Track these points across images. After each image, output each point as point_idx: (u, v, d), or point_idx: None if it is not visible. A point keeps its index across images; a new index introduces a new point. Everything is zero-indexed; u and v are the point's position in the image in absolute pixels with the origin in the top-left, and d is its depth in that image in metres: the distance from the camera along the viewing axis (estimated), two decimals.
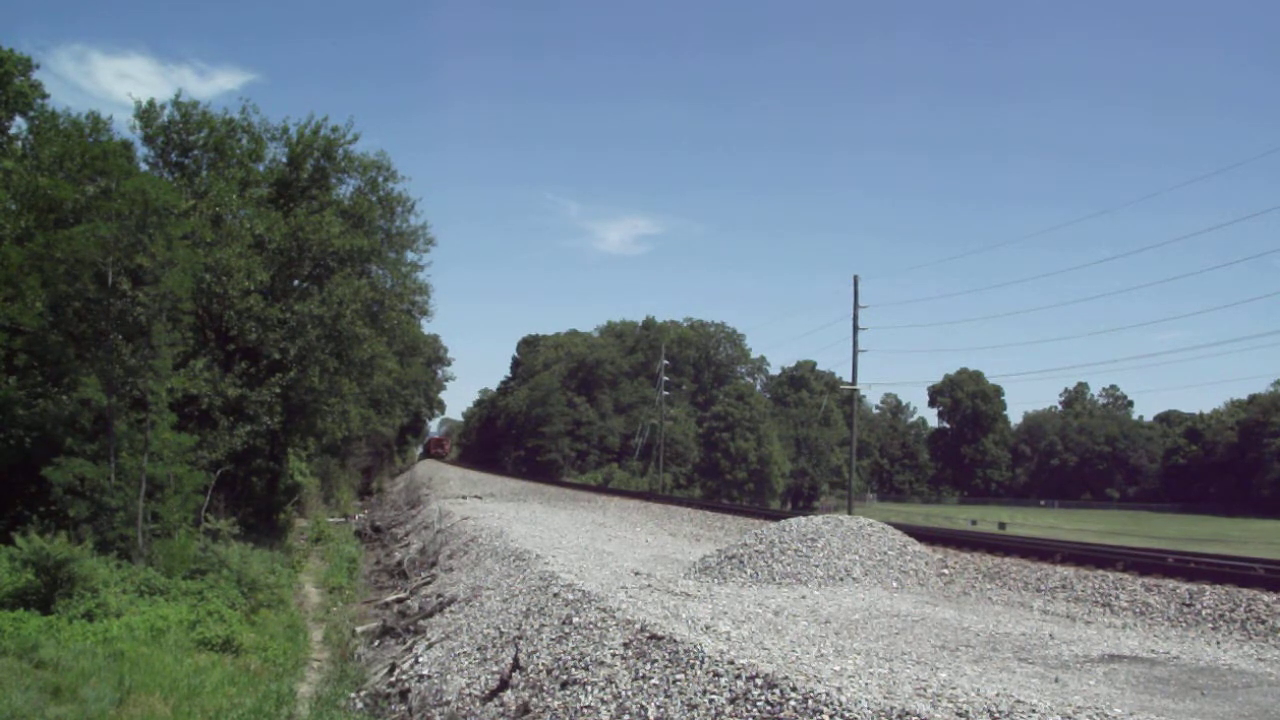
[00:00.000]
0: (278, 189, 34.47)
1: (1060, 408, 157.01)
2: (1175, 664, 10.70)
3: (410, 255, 40.71)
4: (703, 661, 9.58)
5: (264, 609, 19.74)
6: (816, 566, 17.73)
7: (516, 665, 12.07)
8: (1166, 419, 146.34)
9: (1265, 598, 13.48)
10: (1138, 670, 10.35)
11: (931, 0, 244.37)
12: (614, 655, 10.87)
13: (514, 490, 54.23)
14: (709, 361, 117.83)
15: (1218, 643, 12.27)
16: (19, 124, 30.54)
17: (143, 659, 13.93)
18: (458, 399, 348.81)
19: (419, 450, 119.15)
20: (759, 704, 8.34)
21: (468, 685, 12.55)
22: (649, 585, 15.42)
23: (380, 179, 36.49)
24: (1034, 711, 7.43)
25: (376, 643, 18.73)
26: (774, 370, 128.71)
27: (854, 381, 43.71)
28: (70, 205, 22.40)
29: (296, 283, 32.81)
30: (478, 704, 11.76)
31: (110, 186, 22.12)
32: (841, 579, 17.31)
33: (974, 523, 76.09)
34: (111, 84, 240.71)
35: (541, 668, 11.63)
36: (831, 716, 7.66)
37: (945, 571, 18.10)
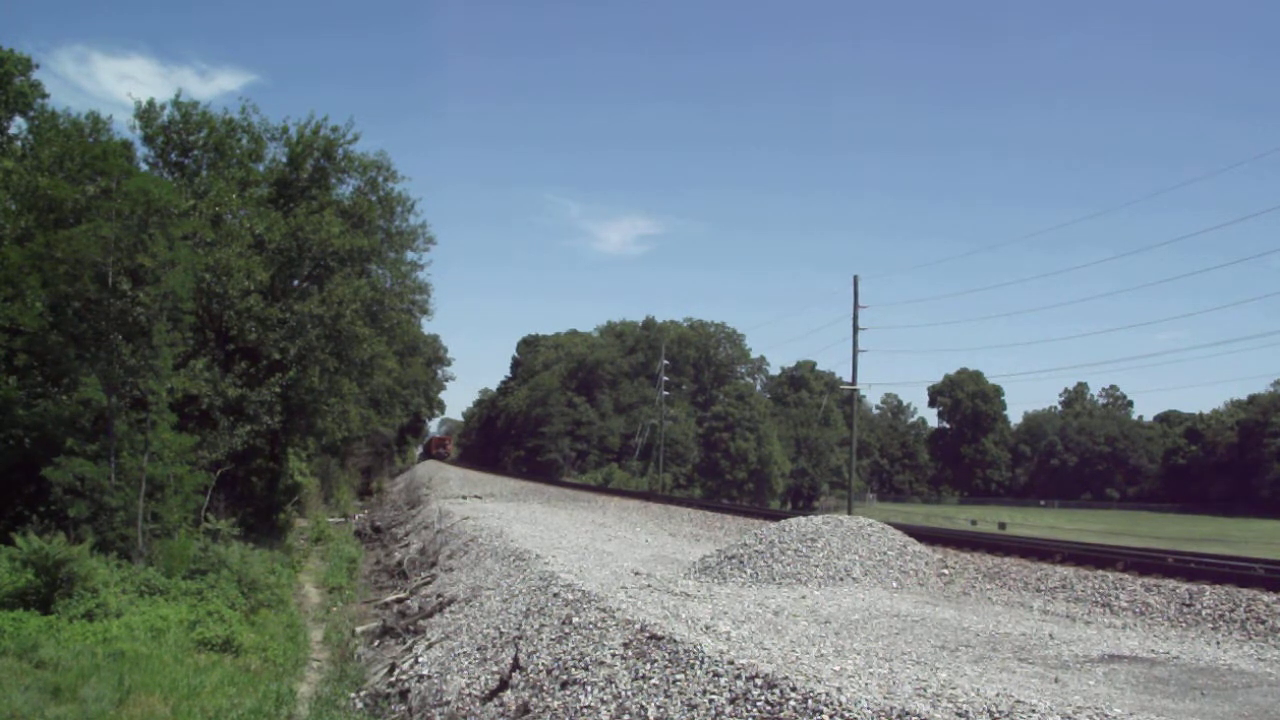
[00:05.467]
0: (278, 189, 34.47)
1: (1060, 408, 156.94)
2: (1175, 664, 10.69)
3: (410, 255, 40.86)
4: (703, 661, 9.58)
5: (264, 609, 19.73)
6: (816, 566, 17.73)
7: (516, 665, 12.07)
8: (1166, 419, 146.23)
9: (1265, 598, 13.48)
10: (1138, 670, 10.35)
11: (932, 0, 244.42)
12: (614, 655, 10.87)
13: (514, 490, 54.21)
14: (709, 361, 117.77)
15: (1218, 643, 12.26)
16: (19, 124, 30.61)
17: (143, 659, 13.92)
18: (458, 399, 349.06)
19: (419, 450, 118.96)
20: (759, 704, 8.34)
21: (468, 685, 12.55)
22: (649, 585, 15.41)
23: (380, 179, 36.55)
24: (1034, 711, 7.43)
25: (376, 643, 18.73)
26: (774, 370, 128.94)
27: (854, 381, 43.71)
28: (70, 205, 22.37)
29: (296, 283, 32.81)
30: (478, 704, 11.76)
31: (110, 186, 22.09)
32: (841, 579, 17.31)
33: (974, 523, 76.05)
34: (112, 85, 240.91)
35: (541, 668, 11.63)
36: (831, 716, 7.66)
37: (945, 571, 18.10)
